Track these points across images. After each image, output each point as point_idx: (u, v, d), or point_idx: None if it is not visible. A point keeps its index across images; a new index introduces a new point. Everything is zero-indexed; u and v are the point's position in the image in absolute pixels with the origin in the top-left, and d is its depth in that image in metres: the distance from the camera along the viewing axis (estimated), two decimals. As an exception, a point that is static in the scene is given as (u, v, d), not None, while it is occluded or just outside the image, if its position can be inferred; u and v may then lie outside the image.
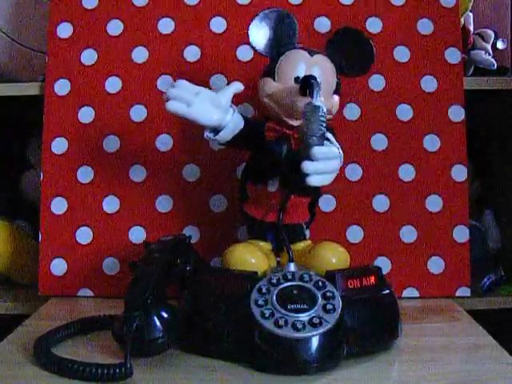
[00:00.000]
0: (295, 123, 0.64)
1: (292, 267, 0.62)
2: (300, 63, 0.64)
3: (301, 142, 0.59)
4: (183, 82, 0.62)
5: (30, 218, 0.93)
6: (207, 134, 0.62)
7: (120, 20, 0.82)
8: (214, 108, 0.61)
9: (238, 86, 0.63)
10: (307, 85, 0.60)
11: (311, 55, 0.65)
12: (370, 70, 0.68)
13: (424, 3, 0.82)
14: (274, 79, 0.65)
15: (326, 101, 0.63)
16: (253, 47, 0.66)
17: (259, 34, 0.66)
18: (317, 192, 0.69)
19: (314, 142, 0.57)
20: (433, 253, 0.78)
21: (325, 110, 0.57)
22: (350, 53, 0.66)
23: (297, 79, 0.62)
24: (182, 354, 0.58)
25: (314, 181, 0.58)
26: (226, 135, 0.62)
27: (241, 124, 0.63)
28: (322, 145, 0.58)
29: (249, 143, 0.66)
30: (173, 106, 0.60)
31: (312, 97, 0.58)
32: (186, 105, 0.60)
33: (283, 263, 0.65)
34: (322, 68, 0.64)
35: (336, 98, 0.66)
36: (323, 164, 0.58)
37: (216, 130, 0.62)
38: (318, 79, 0.60)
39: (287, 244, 0.63)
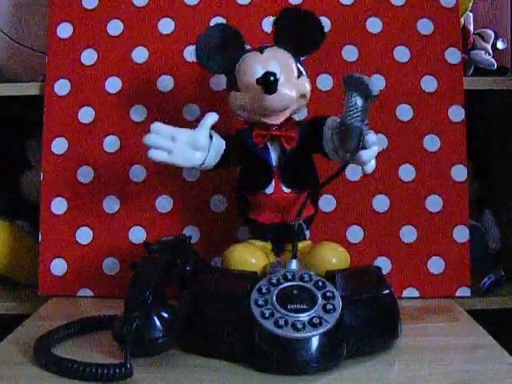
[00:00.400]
0: (277, 121, 0.64)
1: (294, 264, 0.62)
2: (254, 65, 0.64)
3: (348, 133, 0.59)
4: (158, 127, 0.62)
5: (30, 217, 0.93)
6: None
7: (120, 20, 0.82)
8: (193, 150, 0.62)
9: (212, 118, 0.63)
10: (267, 82, 0.60)
11: (262, 52, 0.65)
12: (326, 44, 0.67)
13: (424, 3, 0.82)
14: (238, 90, 0.65)
15: (293, 86, 0.63)
16: (205, 69, 0.68)
17: (207, 55, 0.67)
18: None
19: (366, 130, 0.58)
20: (433, 253, 0.78)
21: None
22: (297, 31, 0.65)
23: (258, 81, 0.61)
24: (182, 354, 0.58)
25: (370, 168, 0.61)
26: (210, 162, 0.64)
27: (222, 146, 0.64)
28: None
29: (236, 158, 0.67)
30: (154, 154, 0.61)
31: (368, 88, 0.57)
32: (167, 152, 0.61)
33: (284, 258, 0.65)
34: (276, 59, 0.64)
35: (303, 79, 0.65)
36: (375, 149, 0.60)
37: None
38: (276, 73, 0.60)
39: (295, 241, 0.63)
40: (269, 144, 0.65)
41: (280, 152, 0.66)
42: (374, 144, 0.60)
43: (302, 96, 0.65)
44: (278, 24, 0.66)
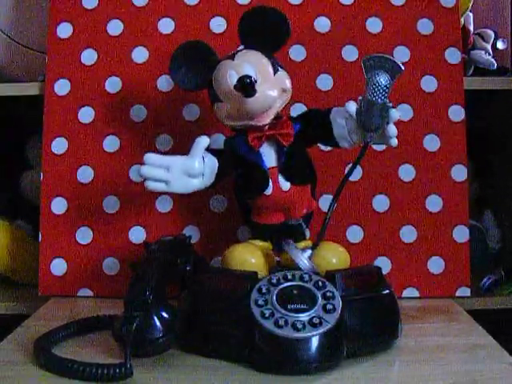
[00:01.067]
0: (265, 121, 0.64)
1: (308, 253, 0.62)
2: (229, 73, 0.64)
3: (372, 112, 0.60)
4: (151, 158, 0.62)
5: (30, 217, 0.93)
6: None
7: (120, 20, 0.82)
8: (190, 178, 0.63)
9: (204, 142, 0.63)
10: (245, 85, 0.60)
11: (233, 59, 0.65)
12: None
13: (424, 3, 0.82)
14: (220, 101, 0.65)
15: (272, 84, 0.63)
16: (184, 89, 0.68)
17: (183, 75, 0.67)
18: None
19: (390, 106, 0.60)
20: (433, 253, 0.78)
21: None
22: (260, 28, 0.65)
23: (236, 87, 0.61)
24: (182, 354, 0.58)
25: (395, 142, 0.62)
26: (207, 183, 0.64)
27: (215, 164, 0.65)
28: None
29: (230, 169, 0.67)
30: (152, 185, 0.62)
31: (396, 64, 0.60)
32: (164, 183, 0.61)
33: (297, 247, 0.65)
34: (249, 62, 0.64)
35: (280, 75, 0.65)
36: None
37: None
38: (251, 75, 0.61)
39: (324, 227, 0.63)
40: (262, 147, 0.65)
41: (279, 151, 0.65)
42: (396, 119, 0.61)
43: (284, 91, 0.65)
44: (242, 26, 0.66)
